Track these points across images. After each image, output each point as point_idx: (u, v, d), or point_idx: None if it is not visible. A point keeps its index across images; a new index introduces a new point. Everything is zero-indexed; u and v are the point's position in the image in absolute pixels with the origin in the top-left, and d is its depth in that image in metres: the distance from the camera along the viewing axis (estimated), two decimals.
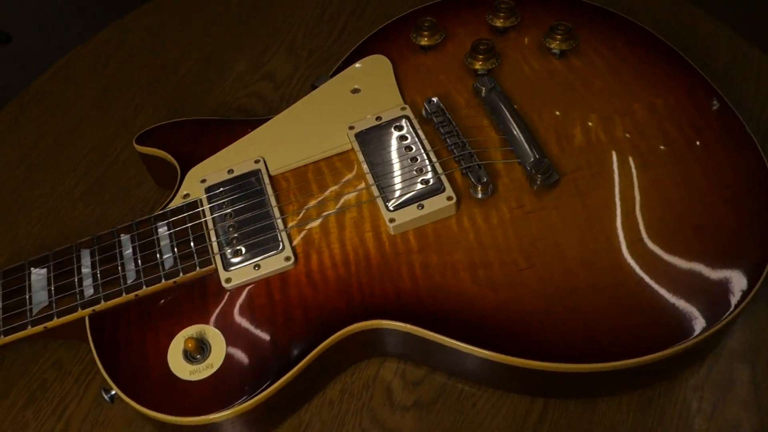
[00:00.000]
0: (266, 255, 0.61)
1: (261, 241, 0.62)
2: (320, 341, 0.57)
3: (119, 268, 0.62)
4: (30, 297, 0.61)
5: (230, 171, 0.67)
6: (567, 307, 0.57)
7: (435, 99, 0.69)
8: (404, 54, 0.75)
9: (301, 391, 0.60)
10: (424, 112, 0.69)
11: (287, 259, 0.61)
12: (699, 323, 0.55)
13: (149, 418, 0.57)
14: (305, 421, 0.61)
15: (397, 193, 0.63)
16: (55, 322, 0.60)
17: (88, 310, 0.61)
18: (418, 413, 0.60)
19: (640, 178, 0.63)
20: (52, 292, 0.62)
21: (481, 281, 0.59)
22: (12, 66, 1.88)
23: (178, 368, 0.57)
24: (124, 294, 0.61)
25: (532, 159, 0.63)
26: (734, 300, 0.55)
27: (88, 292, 0.61)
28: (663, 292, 0.56)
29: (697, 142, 0.64)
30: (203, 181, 0.67)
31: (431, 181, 0.63)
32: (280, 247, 0.61)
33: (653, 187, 0.62)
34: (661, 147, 0.64)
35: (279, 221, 0.63)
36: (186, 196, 0.67)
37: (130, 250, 0.63)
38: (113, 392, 0.58)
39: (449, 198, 0.62)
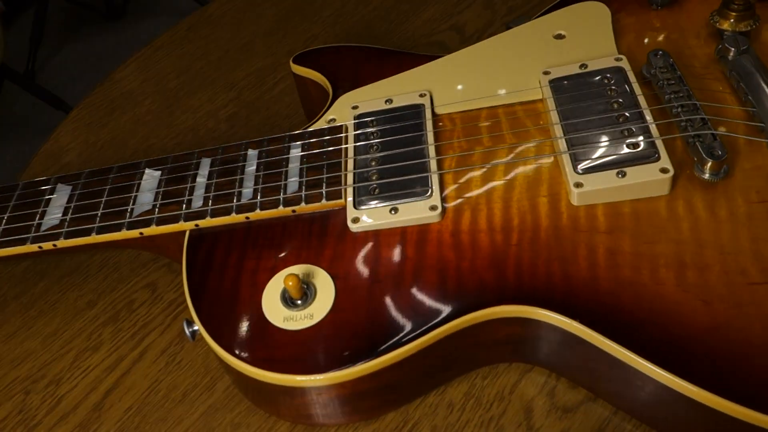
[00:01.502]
0: (408, 199, 0.48)
1: (405, 182, 0.49)
2: (452, 318, 0.43)
3: (237, 183, 0.52)
4: (135, 197, 0.53)
5: (388, 101, 0.55)
6: None
7: (661, 51, 0.53)
8: (628, 7, 0.60)
9: (414, 379, 0.46)
10: (644, 69, 0.53)
11: (433, 208, 0.47)
12: None
13: (228, 367, 0.46)
14: (413, 419, 0.47)
15: (592, 154, 0.47)
16: (153, 229, 0.51)
17: (191, 224, 0.51)
18: None
19: None
20: (159, 195, 0.53)
21: (690, 287, 0.42)
22: None
23: (271, 311, 0.45)
24: (233, 213, 0.50)
25: None
26: None
27: (197, 203, 0.51)
28: None
29: None
30: (355, 107, 0.56)
31: (641, 146, 0.47)
32: (428, 192, 0.48)
33: None
34: None
35: (433, 162, 0.50)
36: (331, 120, 0.56)
37: (253, 167, 0.53)
38: (196, 327, 0.47)
39: (664, 170, 0.45)
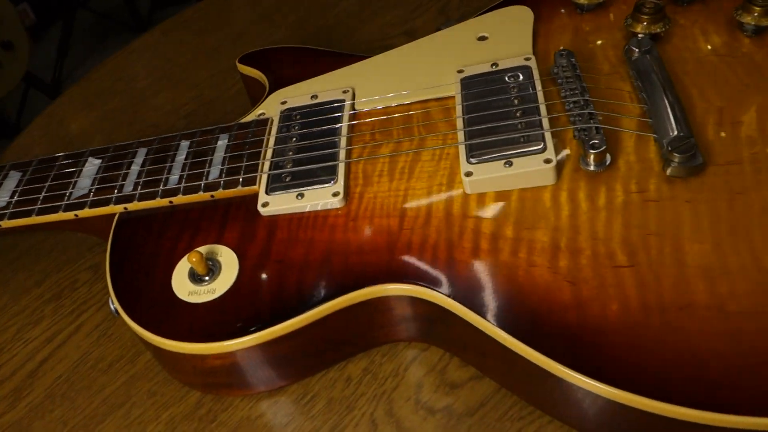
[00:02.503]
0: (314, 186, 0.51)
1: (315, 170, 0.52)
2: (341, 294, 0.46)
3: (166, 171, 0.56)
4: (75, 182, 0.57)
5: (314, 96, 0.59)
6: (670, 326, 0.41)
7: (565, 51, 0.55)
8: (555, 11, 0.63)
9: (312, 352, 0.49)
10: (552, 68, 0.56)
11: (335, 194, 0.50)
12: None
13: (141, 339, 0.49)
14: (312, 392, 0.50)
15: (485, 146, 0.50)
16: (86, 212, 0.55)
17: (120, 207, 0.55)
18: (444, 421, 0.47)
19: None
20: (96, 181, 0.57)
21: (559, 269, 0.44)
22: None
23: (179, 286, 0.49)
24: (158, 197, 0.54)
25: (672, 135, 0.48)
26: None
27: (127, 188, 0.55)
28: None
29: None
30: (283, 102, 0.59)
31: (530, 138, 0.49)
32: (333, 180, 0.51)
33: None
34: None
35: (342, 152, 0.53)
36: (261, 114, 0.59)
37: (183, 156, 0.57)
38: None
39: (547, 161, 0.48)
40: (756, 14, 0.55)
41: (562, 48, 0.56)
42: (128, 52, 0.86)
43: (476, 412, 0.47)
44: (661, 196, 0.46)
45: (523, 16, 0.61)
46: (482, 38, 0.61)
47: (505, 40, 0.60)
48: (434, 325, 0.49)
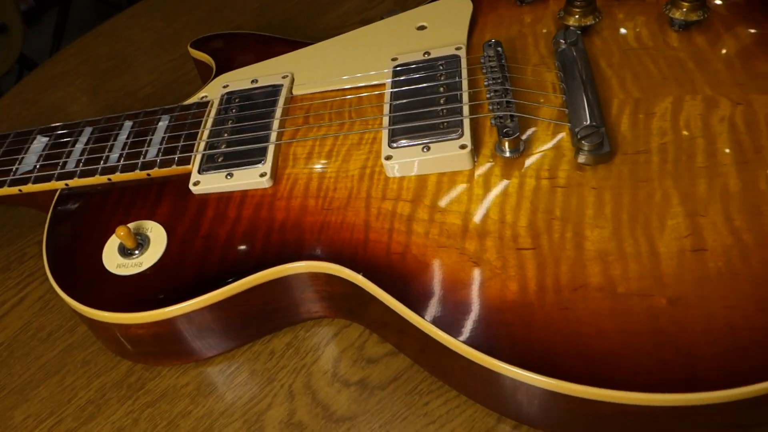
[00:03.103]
0: (243, 167, 0.53)
1: (245, 152, 0.54)
2: (256, 271, 0.48)
3: (107, 149, 0.58)
4: (22, 159, 0.59)
5: (254, 81, 0.61)
6: (561, 305, 0.42)
7: (493, 41, 0.57)
8: (496, 2, 0.64)
9: (232, 326, 0.51)
10: (482, 58, 0.57)
11: (262, 174, 0.52)
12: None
13: (76, 312, 0.51)
14: (237, 363, 0.52)
15: (406, 131, 0.52)
16: (30, 187, 0.57)
17: (61, 183, 0.57)
18: (357, 393, 0.49)
19: (728, 176, 0.46)
20: (42, 158, 0.59)
21: (466, 251, 0.46)
22: None
23: (109, 260, 0.51)
24: (98, 174, 0.56)
25: (584, 124, 0.49)
26: None
27: (70, 166, 0.57)
28: (709, 320, 0.40)
29: None
30: (225, 86, 0.61)
31: (450, 124, 0.51)
32: (262, 161, 0.53)
33: (745, 191, 0.45)
34: None
35: (273, 134, 0.55)
36: (203, 97, 0.61)
37: (125, 135, 0.59)
38: None
39: (462, 146, 0.50)
40: (685, 10, 0.57)
41: (491, 38, 0.58)
42: (95, 35, 0.88)
43: (388, 386, 0.49)
44: (570, 183, 0.48)
45: (463, 6, 0.63)
46: (421, 27, 0.62)
47: (442, 31, 0.61)
48: (353, 303, 0.51)
